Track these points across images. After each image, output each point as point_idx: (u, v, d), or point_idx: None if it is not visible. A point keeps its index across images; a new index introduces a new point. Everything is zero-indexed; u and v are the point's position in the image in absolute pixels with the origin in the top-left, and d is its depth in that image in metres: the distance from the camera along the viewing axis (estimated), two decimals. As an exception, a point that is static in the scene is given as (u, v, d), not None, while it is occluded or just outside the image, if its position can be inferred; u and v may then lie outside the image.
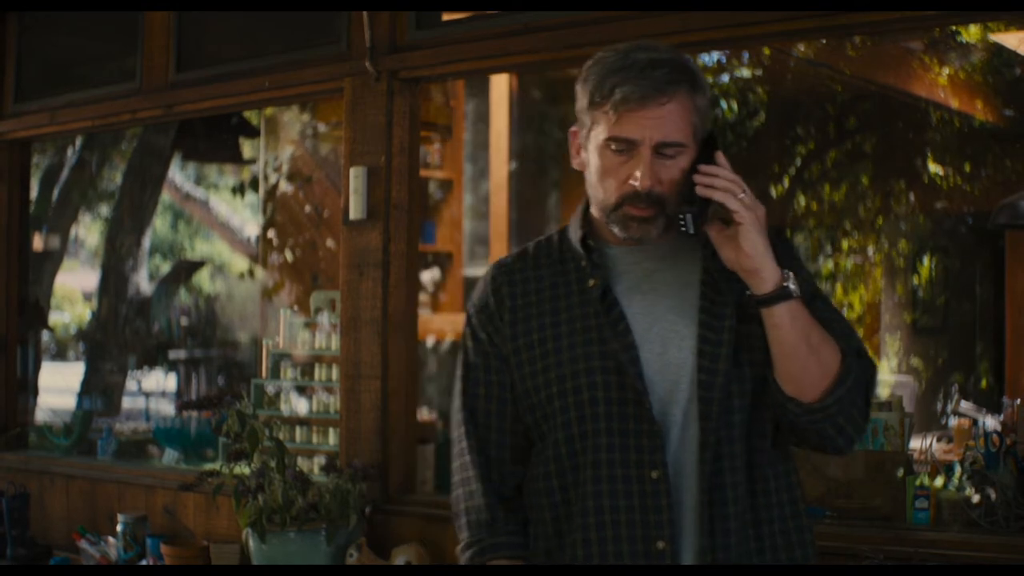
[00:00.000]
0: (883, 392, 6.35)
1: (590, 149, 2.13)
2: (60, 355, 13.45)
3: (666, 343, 2.11)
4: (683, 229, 2.04)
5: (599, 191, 2.12)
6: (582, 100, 2.14)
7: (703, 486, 2.07)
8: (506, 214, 6.51)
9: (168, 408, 9.86)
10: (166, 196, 11.95)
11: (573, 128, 2.20)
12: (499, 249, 6.42)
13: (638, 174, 2.06)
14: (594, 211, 2.19)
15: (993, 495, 3.13)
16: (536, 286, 2.22)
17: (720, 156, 2.06)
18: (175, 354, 9.65)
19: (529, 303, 2.21)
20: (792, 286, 2.01)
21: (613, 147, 2.08)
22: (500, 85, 6.48)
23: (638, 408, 2.09)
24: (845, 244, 8.09)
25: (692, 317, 2.11)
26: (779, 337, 2.03)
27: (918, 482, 3.25)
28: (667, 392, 2.10)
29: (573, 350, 2.14)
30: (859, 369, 2.08)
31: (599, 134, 2.10)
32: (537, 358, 2.17)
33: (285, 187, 7.28)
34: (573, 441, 2.13)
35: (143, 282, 8.61)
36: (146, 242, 8.75)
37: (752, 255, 2.01)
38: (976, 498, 3.16)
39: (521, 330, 2.20)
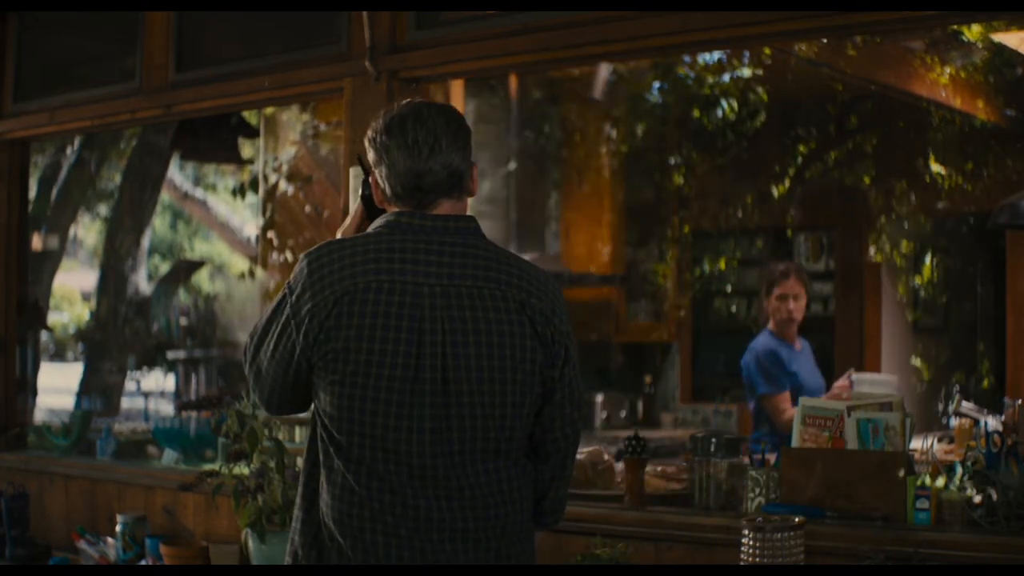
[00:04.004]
0: (885, 391, 6.33)
1: None
2: (59, 355, 13.45)
3: None
4: None
5: None
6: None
7: None
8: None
9: (167, 408, 9.85)
10: (165, 196, 11.93)
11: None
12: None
13: None
14: None
15: (994, 495, 3.12)
16: None
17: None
18: (174, 354, 9.63)
19: None
20: None
21: None
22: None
23: None
24: (846, 244, 8.06)
25: None
26: None
27: (919, 482, 3.24)
28: None
29: None
30: None
31: None
32: None
33: (285, 187, 7.28)
34: None
35: (142, 282, 8.61)
36: (145, 242, 8.75)
37: None
38: (977, 498, 3.15)
39: None
